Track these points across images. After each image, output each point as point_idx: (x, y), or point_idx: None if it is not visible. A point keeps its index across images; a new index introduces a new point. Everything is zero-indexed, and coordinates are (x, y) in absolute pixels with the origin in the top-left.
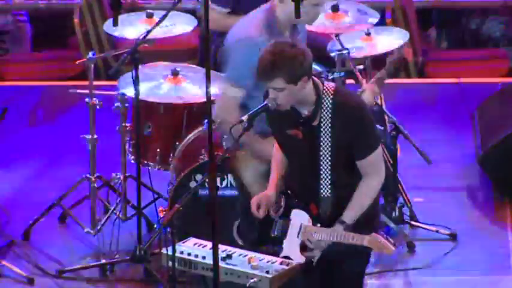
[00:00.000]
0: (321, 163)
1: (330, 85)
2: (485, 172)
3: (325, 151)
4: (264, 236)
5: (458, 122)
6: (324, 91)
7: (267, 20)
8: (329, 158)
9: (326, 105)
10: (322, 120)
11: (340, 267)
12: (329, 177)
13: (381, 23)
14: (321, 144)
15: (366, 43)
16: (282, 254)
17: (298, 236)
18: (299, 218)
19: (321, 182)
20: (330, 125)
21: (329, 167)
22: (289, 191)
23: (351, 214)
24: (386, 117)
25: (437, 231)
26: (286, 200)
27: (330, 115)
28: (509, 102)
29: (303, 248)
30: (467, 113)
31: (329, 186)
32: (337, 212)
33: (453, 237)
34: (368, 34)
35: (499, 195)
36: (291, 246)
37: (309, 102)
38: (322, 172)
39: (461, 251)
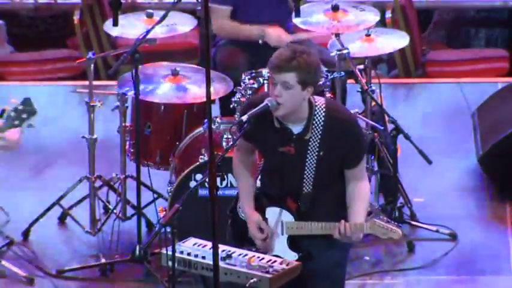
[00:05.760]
0: (306, 167)
1: (321, 100)
2: (485, 172)
3: (312, 158)
4: (247, 239)
5: (458, 122)
6: (316, 106)
7: None
8: (315, 164)
9: (318, 119)
10: (313, 132)
11: (319, 260)
12: (312, 176)
13: (381, 23)
14: (309, 152)
15: (366, 44)
16: (271, 254)
17: (283, 234)
18: (276, 215)
19: (304, 180)
20: (320, 136)
21: (313, 170)
22: (258, 191)
23: (360, 218)
24: (386, 117)
25: (437, 231)
26: (257, 200)
27: (321, 127)
28: (509, 102)
29: (292, 244)
30: (467, 113)
31: (311, 184)
32: (316, 207)
33: (453, 237)
34: (368, 35)
35: (499, 195)
36: (278, 245)
37: (301, 117)
38: (306, 173)
39: (461, 251)
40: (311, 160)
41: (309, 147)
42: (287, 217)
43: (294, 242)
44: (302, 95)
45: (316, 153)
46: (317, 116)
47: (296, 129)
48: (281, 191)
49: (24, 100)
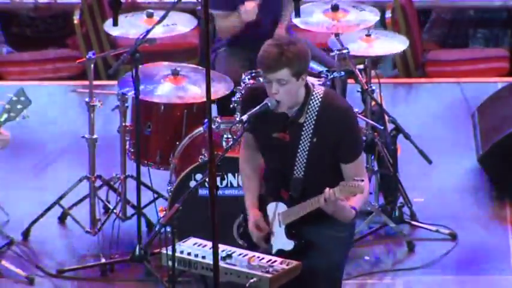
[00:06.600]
0: (299, 153)
1: (321, 88)
2: (485, 172)
3: (305, 144)
4: (252, 242)
5: (458, 122)
6: (314, 92)
7: None
8: (307, 149)
9: (314, 105)
10: (307, 117)
11: (318, 259)
12: (304, 162)
13: (381, 22)
14: (302, 137)
15: (367, 44)
16: (275, 249)
17: (280, 226)
18: (274, 210)
19: (295, 166)
20: (314, 122)
21: (305, 156)
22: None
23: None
24: (386, 117)
25: (437, 231)
26: (260, 201)
27: (316, 113)
28: (509, 102)
29: (288, 233)
30: (467, 113)
31: (302, 170)
32: (307, 193)
33: (453, 237)
34: (368, 35)
35: (499, 195)
36: (278, 239)
37: (298, 102)
38: (298, 159)
39: (461, 251)
40: (304, 146)
41: (303, 133)
42: (282, 208)
43: (290, 231)
44: (298, 85)
45: (309, 139)
46: (313, 101)
47: (290, 112)
48: (274, 179)
49: (18, 91)
